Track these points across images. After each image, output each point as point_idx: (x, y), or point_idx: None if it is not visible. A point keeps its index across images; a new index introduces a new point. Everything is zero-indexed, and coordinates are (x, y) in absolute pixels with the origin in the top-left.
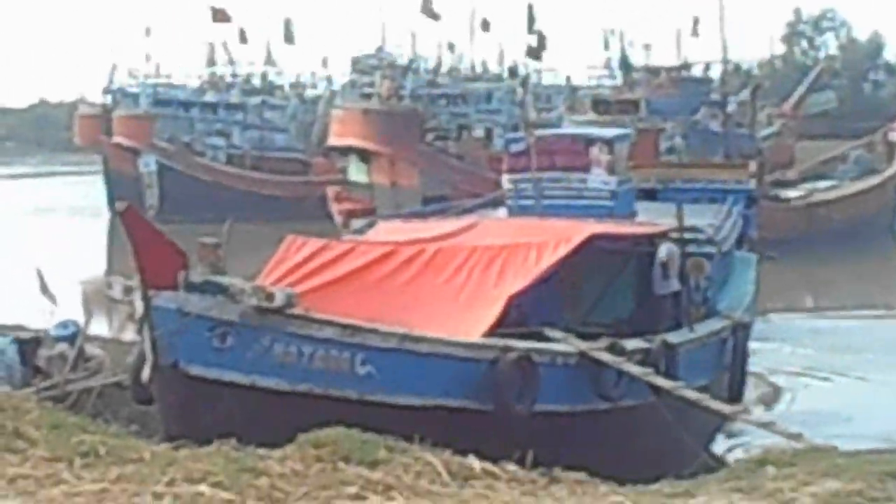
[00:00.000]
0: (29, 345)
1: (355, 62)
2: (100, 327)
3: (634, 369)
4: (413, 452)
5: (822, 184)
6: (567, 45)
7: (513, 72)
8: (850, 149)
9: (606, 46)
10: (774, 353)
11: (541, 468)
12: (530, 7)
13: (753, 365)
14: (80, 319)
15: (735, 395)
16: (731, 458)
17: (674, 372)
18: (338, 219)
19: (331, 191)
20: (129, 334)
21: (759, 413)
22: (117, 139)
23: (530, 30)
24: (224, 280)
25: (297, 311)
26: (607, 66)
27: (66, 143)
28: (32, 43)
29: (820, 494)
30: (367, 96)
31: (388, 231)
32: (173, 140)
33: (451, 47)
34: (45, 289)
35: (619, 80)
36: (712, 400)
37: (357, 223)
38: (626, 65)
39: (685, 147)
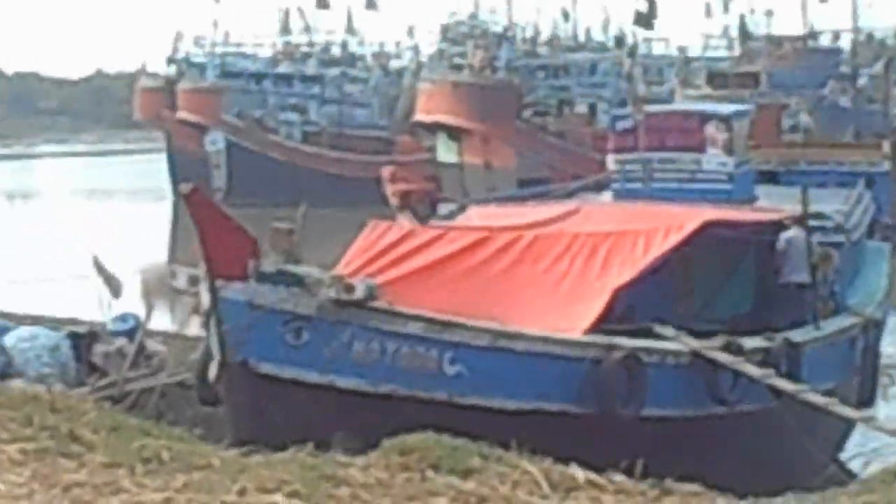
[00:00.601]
0: (84, 340)
1: (445, 30)
2: (162, 321)
3: (753, 370)
4: (509, 460)
5: None
6: (680, 11)
7: (620, 41)
8: None
9: (725, 11)
10: None
11: (650, 478)
12: None
13: (887, 363)
14: (141, 312)
15: (866, 400)
16: (862, 469)
17: (797, 374)
18: (393, 201)
19: (385, 170)
20: (195, 329)
21: (892, 419)
22: (182, 114)
23: None
24: (299, 270)
25: (379, 304)
26: (725, 34)
27: (125, 118)
28: (89, 7)
29: None
30: (458, 68)
31: (480, 216)
32: (243, 115)
33: (565, 15)
34: (104, 275)
35: (737, 51)
36: (840, 405)
37: (417, 207)
38: (744, 33)
39: (813, 125)
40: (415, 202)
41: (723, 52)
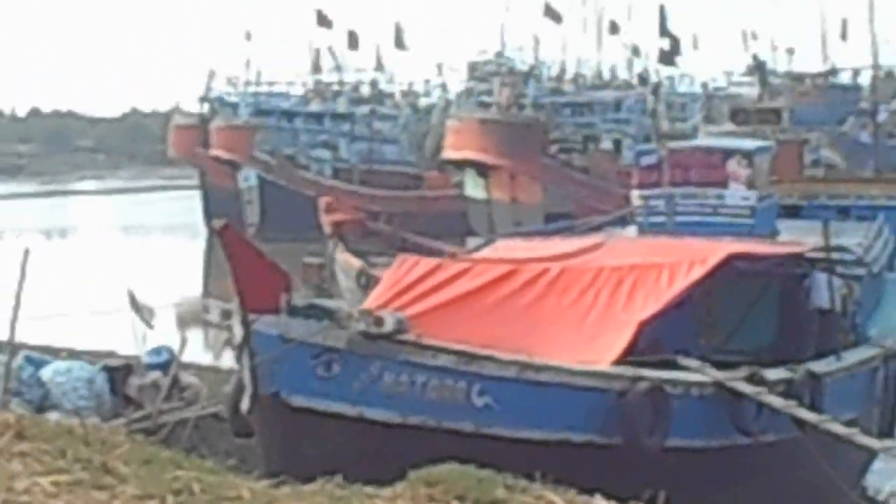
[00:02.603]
0: (119, 373)
1: (472, 68)
2: (195, 354)
3: (776, 401)
4: (534, 491)
5: None
6: (703, 49)
7: (643, 78)
8: None
9: (746, 50)
10: None
11: None
12: (662, 8)
13: None
14: (175, 346)
15: (887, 430)
16: (885, 499)
17: (820, 404)
18: (326, 229)
19: (322, 201)
20: (227, 362)
21: None
22: (215, 152)
23: (663, 32)
24: (330, 303)
25: (408, 336)
26: (749, 72)
27: (159, 155)
28: (124, 47)
29: None
30: (486, 105)
31: (507, 250)
32: (275, 153)
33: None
34: (138, 308)
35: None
36: (862, 435)
37: (348, 236)
38: (762, 74)
39: (838, 160)
40: (346, 231)
41: (746, 90)
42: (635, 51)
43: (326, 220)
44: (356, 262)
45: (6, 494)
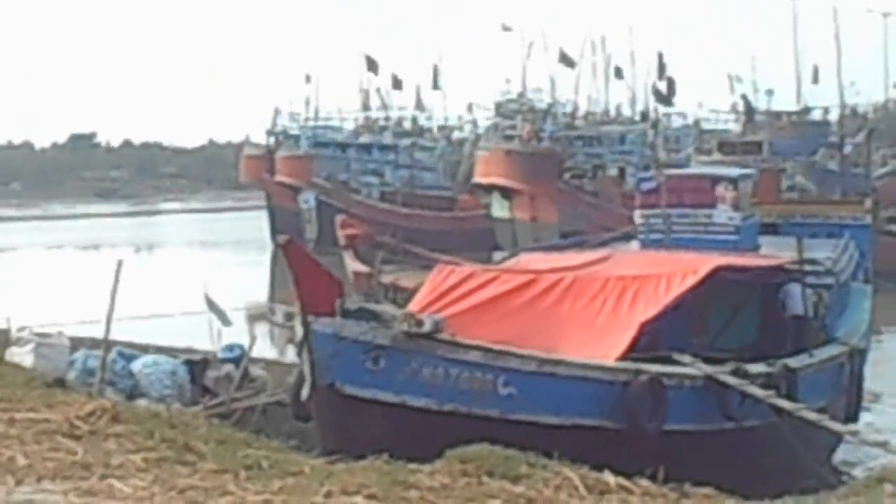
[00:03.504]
0: (198, 366)
1: (498, 106)
2: (263, 350)
3: (757, 392)
4: (552, 468)
5: None
6: (695, 90)
7: (644, 115)
8: None
9: (732, 91)
10: (889, 373)
11: (671, 484)
12: (660, 55)
13: (868, 386)
14: (245, 343)
15: (851, 416)
16: (849, 475)
17: (794, 394)
18: (342, 242)
19: (338, 219)
20: (290, 357)
21: (874, 433)
22: (280, 177)
23: (660, 76)
24: (377, 307)
25: (444, 335)
26: (733, 110)
27: (232, 180)
28: (203, 87)
29: None
30: (510, 138)
31: (528, 262)
32: (331, 178)
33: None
34: (215, 310)
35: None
36: (830, 420)
37: (359, 247)
38: (749, 111)
39: (810, 186)
40: (357, 243)
41: (731, 125)
42: (635, 92)
43: (342, 234)
44: (388, 279)
45: (104, 469)
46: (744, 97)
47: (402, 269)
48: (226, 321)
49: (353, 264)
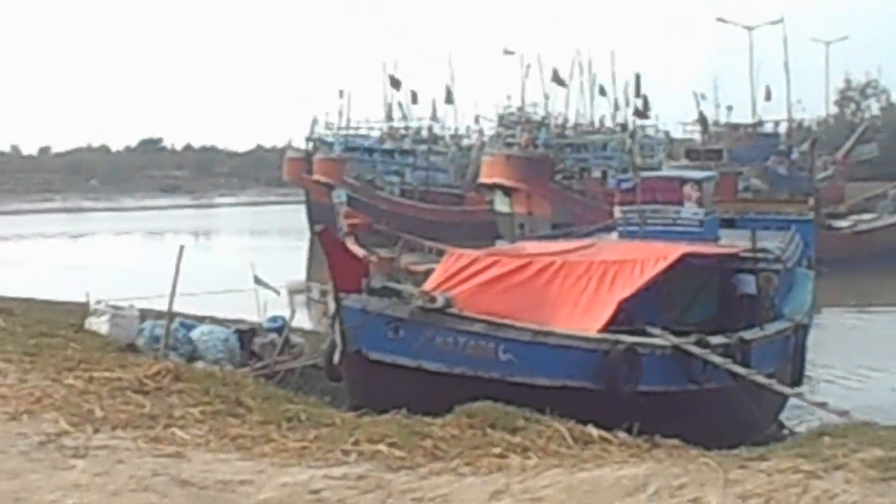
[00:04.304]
0: (247, 334)
1: (500, 118)
2: (301, 321)
3: (717, 359)
4: (544, 421)
5: (866, 216)
6: (666, 105)
7: (623, 127)
8: (889, 188)
9: (698, 106)
10: (826, 344)
11: (644, 436)
12: (637, 76)
13: (810, 356)
14: (286, 315)
15: (796, 380)
16: (794, 430)
17: (748, 362)
18: (345, 230)
19: (342, 209)
20: (324, 327)
21: (815, 395)
22: (316, 177)
23: (637, 94)
24: (397, 286)
25: (453, 310)
26: (695, 122)
27: (277, 179)
28: (252, 100)
29: (867, 459)
30: (510, 145)
31: (525, 248)
32: (359, 178)
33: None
34: (261, 283)
35: (704, 136)
36: (778, 384)
37: (360, 234)
38: (704, 125)
39: (762, 186)
40: (358, 231)
41: (696, 136)
42: (616, 106)
43: (345, 223)
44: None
45: (167, 420)
46: (701, 113)
47: (421, 256)
48: (275, 291)
49: (354, 249)
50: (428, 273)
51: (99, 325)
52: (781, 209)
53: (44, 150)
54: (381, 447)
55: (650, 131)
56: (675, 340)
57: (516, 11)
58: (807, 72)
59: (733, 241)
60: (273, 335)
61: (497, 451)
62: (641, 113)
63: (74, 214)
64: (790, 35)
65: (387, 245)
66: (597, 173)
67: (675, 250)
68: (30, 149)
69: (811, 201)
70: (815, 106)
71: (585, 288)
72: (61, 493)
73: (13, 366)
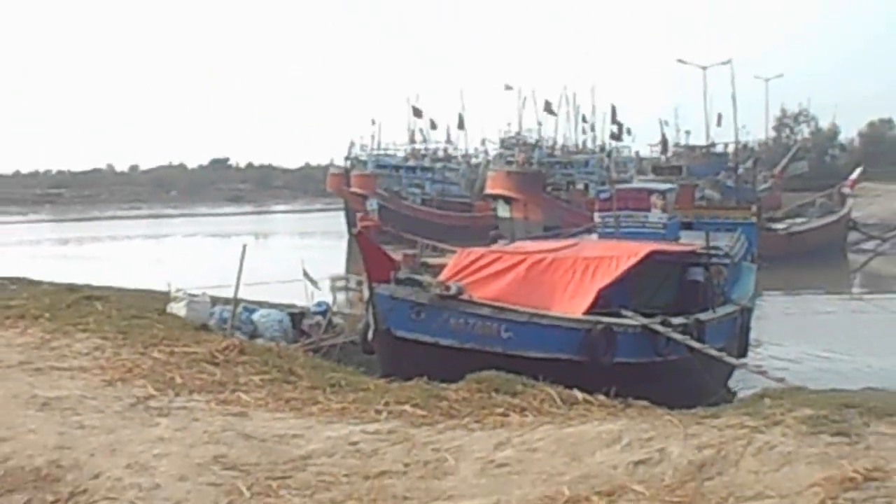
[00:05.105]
0: (297, 316)
1: (502, 141)
2: (341, 306)
3: (678, 336)
4: (538, 387)
5: (798, 220)
6: (637, 130)
7: (602, 148)
8: (817, 198)
9: (661, 131)
10: (766, 324)
11: (619, 398)
12: (613, 107)
13: (753, 334)
14: (329, 301)
15: (742, 353)
16: (740, 393)
17: (702, 338)
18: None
19: (359, 214)
20: (360, 310)
21: (757, 364)
22: (353, 189)
23: (613, 121)
24: (419, 277)
25: (465, 297)
26: (659, 144)
27: (321, 190)
28: (301, 125)
29: (799, 417)
30: (510, 163)
31: (522, 246)
32: (388, 189)
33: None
34: (309, 278)
35: (664, 155)
36: (727, 356)
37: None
38: (664, 144)
39: (715, 196)
40: (369, 231)
41: (657, 155)
42: (594, 130)
43: (359, 225)
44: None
45: (234, 385)
46: (663, 135)
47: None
48: (316, 286)
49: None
50: (443, 267)
51: (178, 309)
52: (730, 215)
53: (133, 168)
54: (407, 407)
55: (624, 151)
56: (644, 321)
57: (515, 55)
58: (751, 103)
59: (691, 241)
60: (319, 317)
61: (500, 410)
62: (616, 136)
63: (157, 220)
64: (737, 73)
65: (392, 242)
66: (580, 186)
67: (644, 248)
68: (122, 166)
69: (754, 208)
70: (757, 130)
71: (571, 279)
72: (148, 444)
73: (109, 342)
